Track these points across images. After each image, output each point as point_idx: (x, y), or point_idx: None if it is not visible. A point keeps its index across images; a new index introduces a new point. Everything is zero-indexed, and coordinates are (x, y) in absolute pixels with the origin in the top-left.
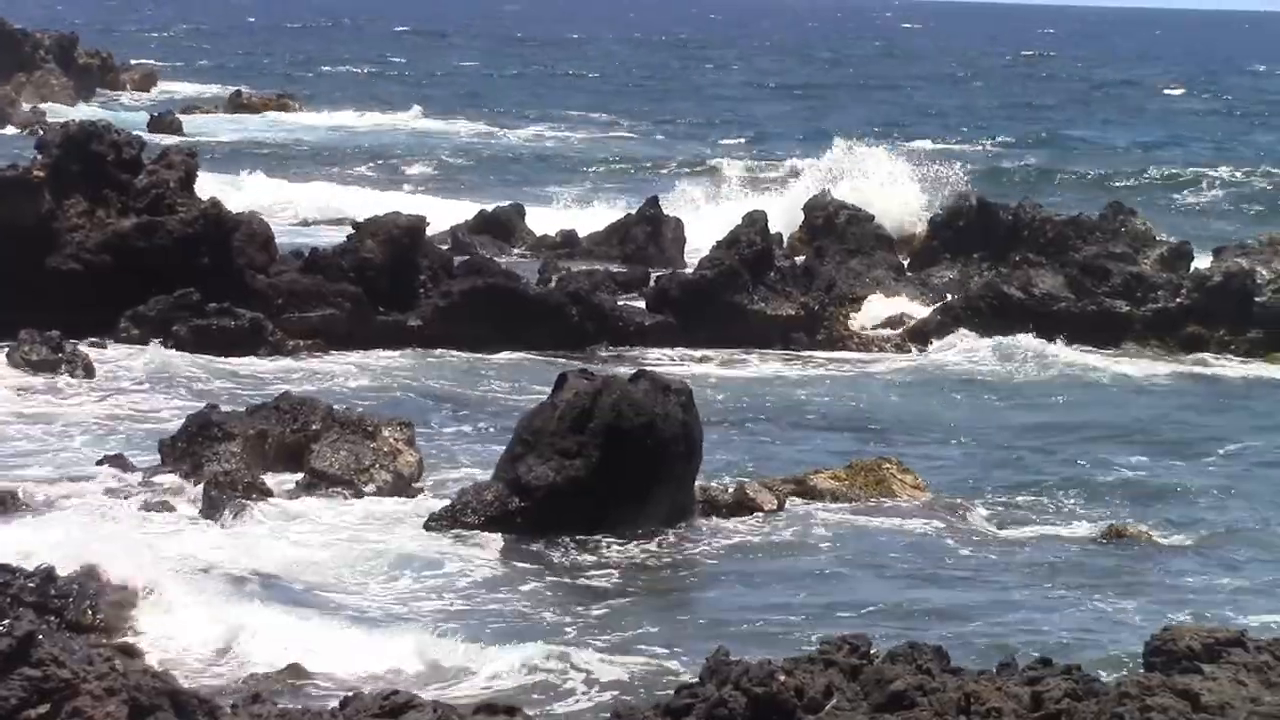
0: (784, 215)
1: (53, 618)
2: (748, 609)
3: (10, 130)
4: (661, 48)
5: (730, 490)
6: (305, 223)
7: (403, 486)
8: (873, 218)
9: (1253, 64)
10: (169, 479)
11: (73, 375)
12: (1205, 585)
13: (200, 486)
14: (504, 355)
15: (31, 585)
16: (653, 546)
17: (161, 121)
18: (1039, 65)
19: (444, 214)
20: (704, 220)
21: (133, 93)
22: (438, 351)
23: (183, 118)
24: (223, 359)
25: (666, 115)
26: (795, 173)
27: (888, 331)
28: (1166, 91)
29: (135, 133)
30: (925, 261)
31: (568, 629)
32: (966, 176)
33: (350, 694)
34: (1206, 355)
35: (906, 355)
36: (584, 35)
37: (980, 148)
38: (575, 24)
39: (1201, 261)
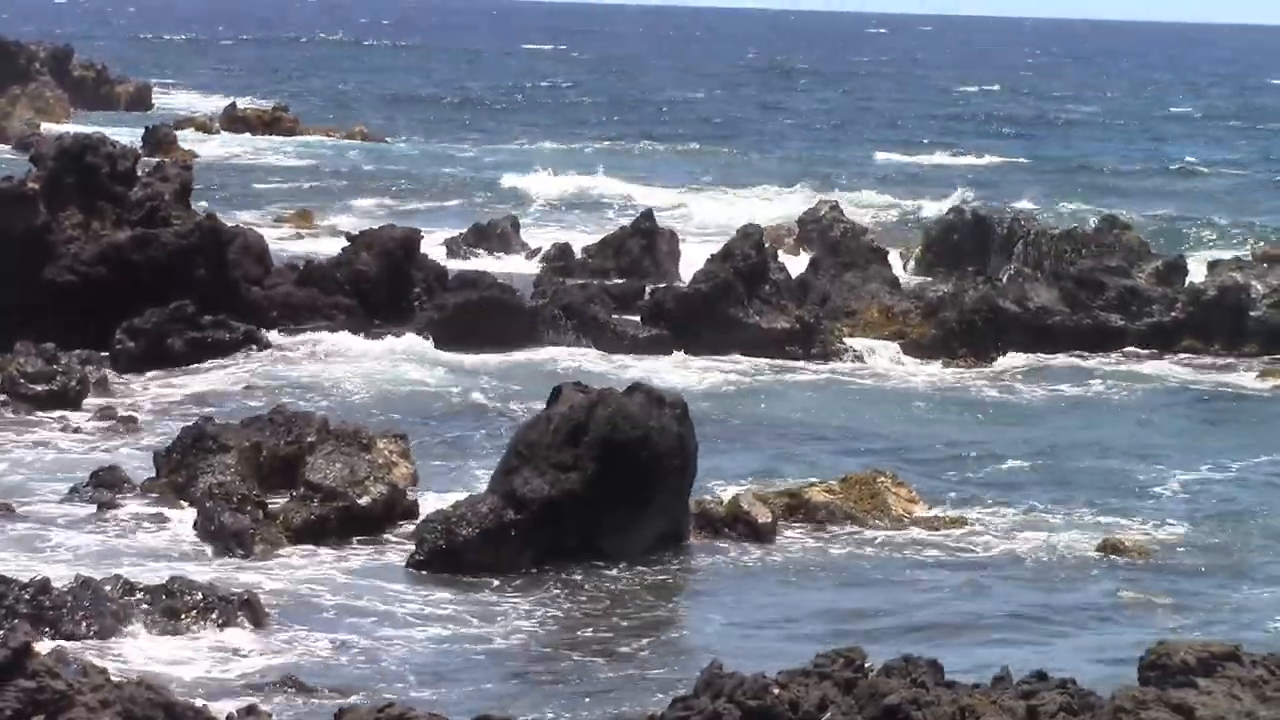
0: None
1: (47, 629)
2: (742, 622)
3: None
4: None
5: (725, 503)
6: None
7: (398, 498)
8: (867, 230)
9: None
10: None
11: (67, 387)
12: (1201, 599)
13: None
14: (499, 367)
15: (26, 597)
16: (646, 560)
17: (157, 134)
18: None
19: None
20: None
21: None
22: (432, 363)
23: (177, 133)
24: (214, 370)
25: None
26: None
27: (883, 345)
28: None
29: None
30: (920, 274)
31: (564, 641)
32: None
33: (345, 707)
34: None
35: (901, 368)
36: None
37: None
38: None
39: (1196, 275)
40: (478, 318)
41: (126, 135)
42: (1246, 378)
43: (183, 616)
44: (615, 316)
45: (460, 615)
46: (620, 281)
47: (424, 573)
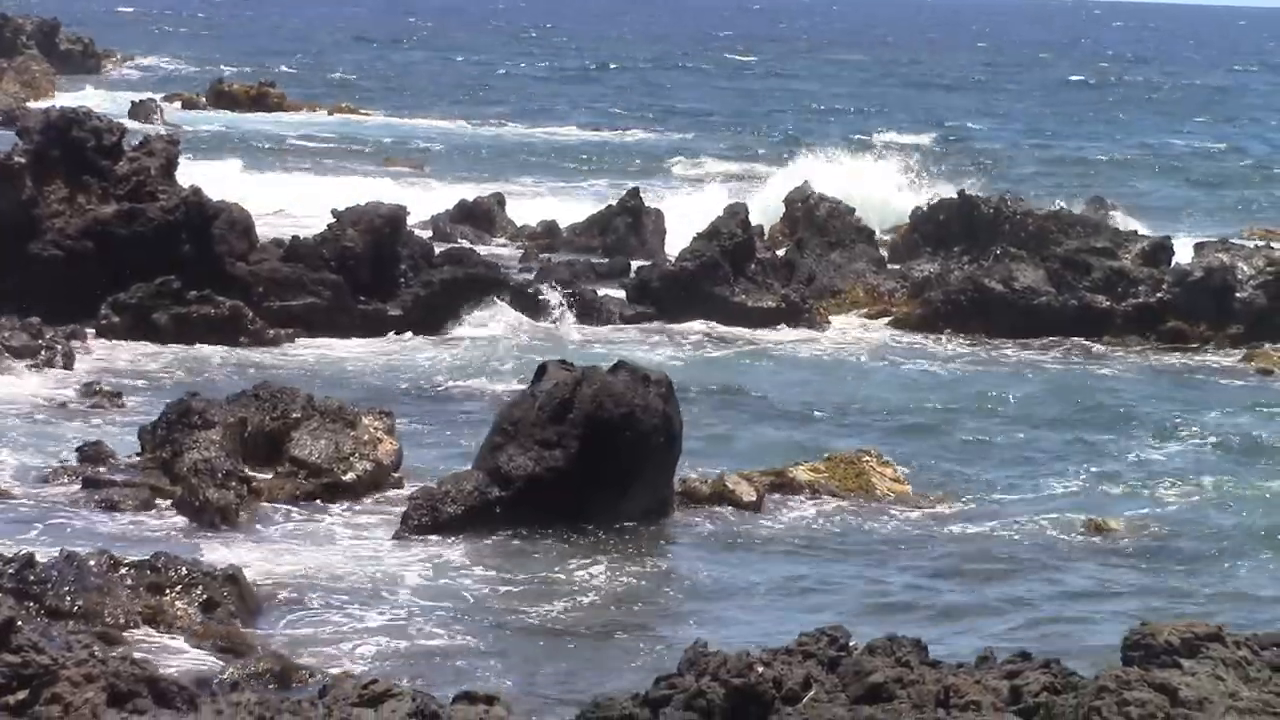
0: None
1: (32, 604)
2: (727, 601)
3: None
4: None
5: (709, 481)
6: None
7: (382, 475)
8: (854, 210)
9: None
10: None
11: (51, 362)
12: (1185, 579)
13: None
14: (483, 344)
15: (10, 571)
16: (631, 538)
17: (142, 109)
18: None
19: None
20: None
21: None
22: (418, 340)
23: (164, 105)
24: (202, 346)
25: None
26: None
27: (869, 324)
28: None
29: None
30: (906, 254)
31: (550, 619)
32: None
33: (329, 682)
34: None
35: (885, 346)
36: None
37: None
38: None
39: (1182, 256)
40: (464, 294)
41: (110, 102)
42: (1228, 360)
43: (167, 592)
44: (601, 294)
45: (445, 591)
46: (606, 260)
47: (408, 548)
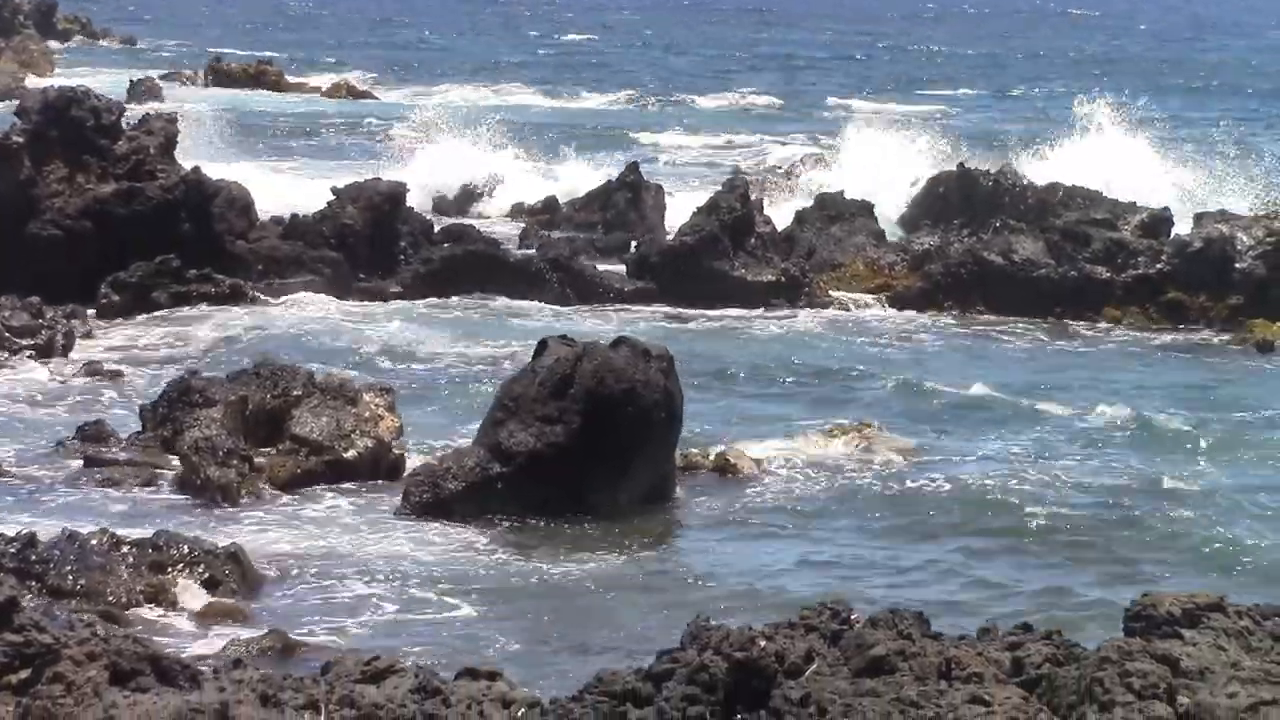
0: None
1: (34, 583)
2: (728, 574)
3: None
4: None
5: (711, 455)
6: None
7: (383, 452)
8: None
9: None
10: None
11: (52, 341)
12: (1197, 546)
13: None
14: (484, 321)
15: (12, 551)
16: (633, 513)
17: (141, 87)
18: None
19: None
20: None
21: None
22: (417, 317)
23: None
24: (203, 324)
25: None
26: None
27: (869, 298)
28: None
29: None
30: (906, 228)
31: (552, 595)
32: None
33: (332, 659)
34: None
35: (885, 319)
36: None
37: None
38: None
39: (1182, 227)
40: (464, 271)
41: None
42: (1222, 337)
43: (169, 570)
44: (601, 269)
45: (446, 569)
46: (606, 235)
47: (410, 524)
